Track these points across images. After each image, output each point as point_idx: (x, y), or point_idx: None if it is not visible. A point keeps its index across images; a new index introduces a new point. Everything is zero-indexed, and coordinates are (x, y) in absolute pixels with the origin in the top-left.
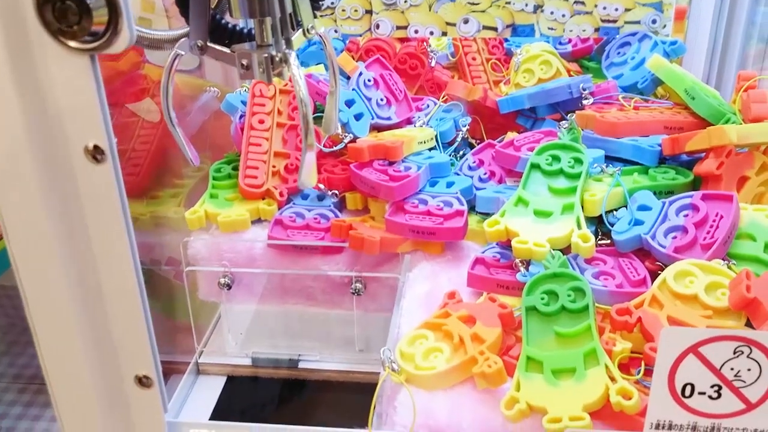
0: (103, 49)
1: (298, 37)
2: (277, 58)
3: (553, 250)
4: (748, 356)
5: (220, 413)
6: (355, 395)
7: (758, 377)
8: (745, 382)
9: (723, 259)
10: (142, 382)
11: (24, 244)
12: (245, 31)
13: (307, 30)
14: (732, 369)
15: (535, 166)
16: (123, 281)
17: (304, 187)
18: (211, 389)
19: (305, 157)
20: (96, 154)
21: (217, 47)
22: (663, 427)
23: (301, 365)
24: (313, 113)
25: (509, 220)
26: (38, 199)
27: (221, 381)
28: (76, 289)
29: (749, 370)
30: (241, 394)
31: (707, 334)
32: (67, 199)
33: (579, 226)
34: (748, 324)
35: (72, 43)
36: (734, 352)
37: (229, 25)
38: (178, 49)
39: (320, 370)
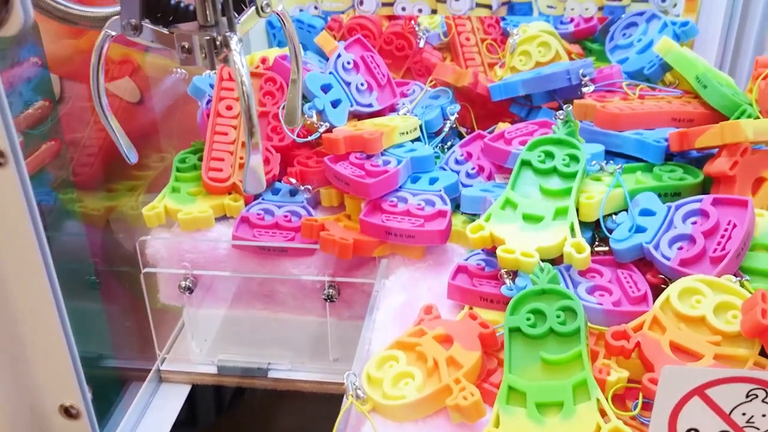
0: None
1: (251, 16)
2: (218, 42)
3: (543, 261)
4: (763, 400)
5: (182, 425)
6: (328, 407)
7: None
8: (759, 429)
9: (735, 275)
10: (69, 412)
11: None
12: (190, 8)
13: (262, 8)
14: (744, 414)
15: (525, 164)
16: (38, 300)
17: (249, 194)
18: (173, 399)
19: (249, 160)
20: None
21: (153, 27)
22: None
23: (270, 374)
24: None
25: (495, 226)
26: None
27: (185, 390)
28: None
29: (764, 416)
30: (206, 405)
31: (715, 374)
32: None
33: (573, 234)
34: (762, 353)
35: None
36: (747, 396)
37: (172, 1)
38: (108, 29)
39: (291, 380)
